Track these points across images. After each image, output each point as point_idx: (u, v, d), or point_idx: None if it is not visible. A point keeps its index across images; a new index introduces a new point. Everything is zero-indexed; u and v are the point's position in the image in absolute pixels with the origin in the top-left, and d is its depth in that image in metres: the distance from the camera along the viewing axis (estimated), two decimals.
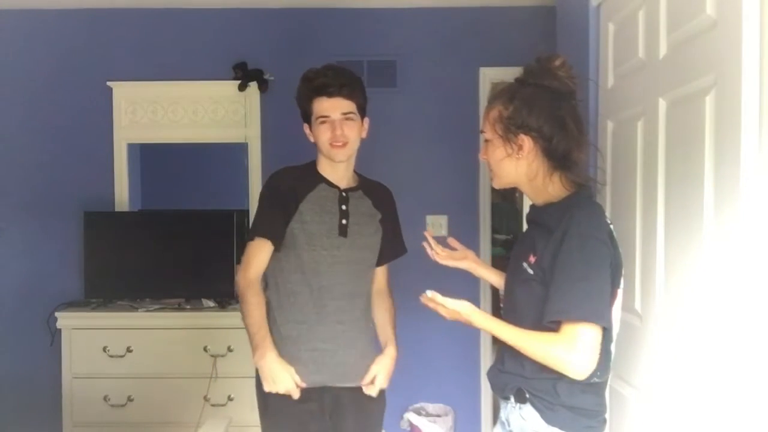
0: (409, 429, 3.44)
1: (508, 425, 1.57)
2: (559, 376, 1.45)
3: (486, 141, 1.58)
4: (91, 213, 3.40)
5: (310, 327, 1.92)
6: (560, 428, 1.46)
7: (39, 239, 3.56)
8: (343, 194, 1.98)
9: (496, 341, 1.58)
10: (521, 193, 6.25)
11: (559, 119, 1.49)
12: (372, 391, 2.00)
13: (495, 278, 1.85)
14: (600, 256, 1.41)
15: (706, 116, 1.51)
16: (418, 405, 3.56)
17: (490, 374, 1.65)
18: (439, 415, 3.48)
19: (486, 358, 3.65)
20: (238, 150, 3.62)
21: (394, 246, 2.14)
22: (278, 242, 1.92)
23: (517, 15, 3.53)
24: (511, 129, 1.50)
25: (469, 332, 3.32)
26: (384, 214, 2.08)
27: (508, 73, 3.81)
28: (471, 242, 3.60)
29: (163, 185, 3.91)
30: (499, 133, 1.52)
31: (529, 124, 1.48)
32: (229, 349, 3.12)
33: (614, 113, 2.14)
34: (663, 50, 1.78)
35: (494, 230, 4.18)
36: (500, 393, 1.59)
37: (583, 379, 1.42)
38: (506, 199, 7.16)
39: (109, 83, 3.53)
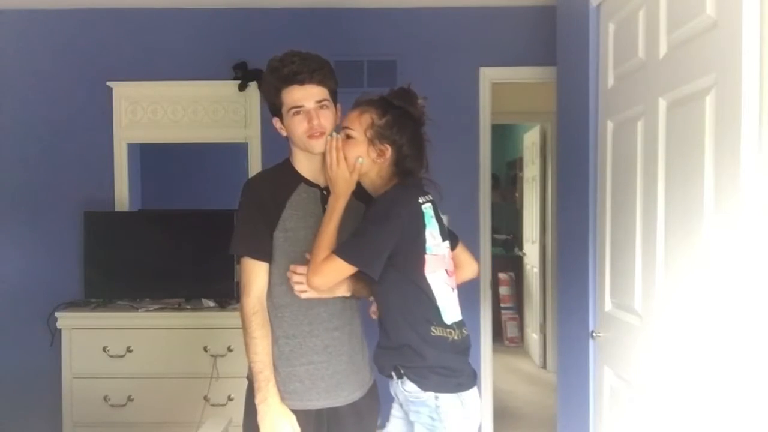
0: None
1: (398, 398, 1.79)
2: (415, 339, 1.70)
3: (348, 137, 1.77)
4: (91, 213, 3.40)
5: (303, 340, 1.84)
6: (435, 391, 1.68)
7: (39, 239, 3.56)
8: (324, 192, 1.87)
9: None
10: (521, 194, 6.29)
11: (417, 143, 1.79)
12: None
13: None
14: (388, 223, 1.67)
15: (706, 116, 1.51)
16: None
17: (375, 355, 1.82)
18: None
19: (486, 358, 3.66)
20: (238, 150, 3.62)
21: None
22: (270, 260, 1.83)
23: (517, 15, 3.54)
24: (379, 137, 1.75)
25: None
26: (367, 204, 1.93)
27: (508, 73, 3.86)
28: (471, 242, 3.58)
29: (163, 185, 3.91)
30: (368, 136, 1.75)
31: (395, 139, 1.75)
32: (229, 349, 3.12)
33: (614, 113, 2.14)
34: (663, 50, 1.78)
35: (494, 230, 4.18)
36: (383, 372, 1.80)
37: (313, 292, 1.74)
38: (506, 200, 7.17)
39: (109, 83, 3.53)
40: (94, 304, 3.32)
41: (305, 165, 1.88)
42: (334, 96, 1.86)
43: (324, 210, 1.85)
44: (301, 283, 1.76)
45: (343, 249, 1.67)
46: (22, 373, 3.51)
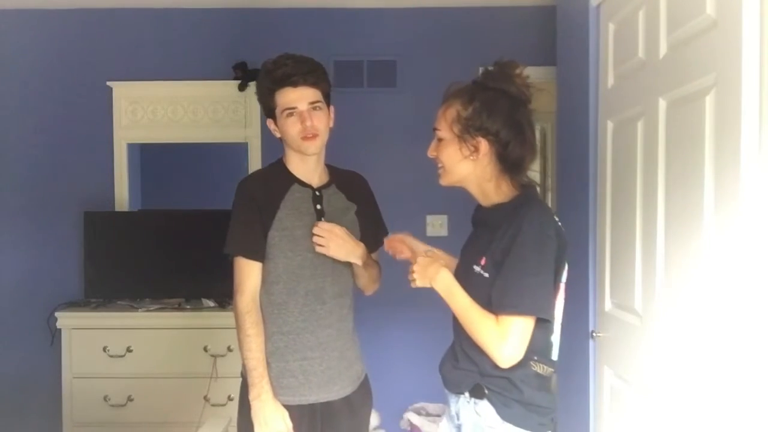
0: (409, 429, 3.44)
1: (458, 419, 1.57)
2: (512, 373, 1.47)
3: (439, 140, 1.57)
4: (91, 213, 3.40)
5: (298, 336, 1.86)
6: (513, 425, 1.47)
7: (39, 239, 3.56)
8: (317, 193, 1.90)
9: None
10: None
11: (516, 125, 1.51)
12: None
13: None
14: (549, 252, 1.45)
15: (706, 116, 1.51)
16: (418, 405, 3.55)
17: (444, 370, 1.63)
18: (439, 415, 3.48)
19: None
20: (238, 150, 3.62)
21: (376, 233, 2.01)
22: (262, 259, 1.86)
23: (517, 15, 3.53)
24: (469, 130, 1.50)
25: None
26: (360, 204, 1.98)
27: None
28: None
29: (163, 185, 3.91)
30: (455, 133, 1.52)
31: (488, 128, 1.49)
32: (229, 349, 3.12)
33: (614, 113, 2.14)
34: (663, 50, 1.78)
35: None
36: (455, 389, 1.58)
37: (507, 367, 1.45)
38: None
39: (109, 83, 3.53)
40: (94, 304, 3.32)
41: (298, 166, 1.91)
42: (327, 98, 1.88)
43: (316, 210, 1.88)
44: (322, 237, 1.79)
45: (514, 303, 1.41)
46: (22, 372, 3.51)
